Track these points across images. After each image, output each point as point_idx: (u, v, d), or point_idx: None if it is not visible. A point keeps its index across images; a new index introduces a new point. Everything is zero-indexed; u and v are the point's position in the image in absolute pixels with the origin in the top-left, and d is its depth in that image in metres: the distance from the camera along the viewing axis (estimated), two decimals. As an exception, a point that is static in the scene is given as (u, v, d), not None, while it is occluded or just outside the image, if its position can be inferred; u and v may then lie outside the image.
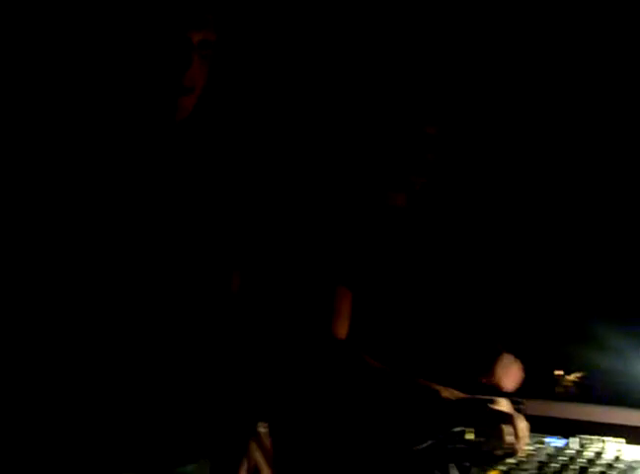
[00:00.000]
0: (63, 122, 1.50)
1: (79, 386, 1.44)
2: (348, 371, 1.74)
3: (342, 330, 1.78)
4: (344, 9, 2.39)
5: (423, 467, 1.49)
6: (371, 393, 1.73)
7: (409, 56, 1.98)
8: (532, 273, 2.47)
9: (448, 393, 1.63)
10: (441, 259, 1.98)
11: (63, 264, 1.44)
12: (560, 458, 1.48)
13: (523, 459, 1.47)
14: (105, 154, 1.49)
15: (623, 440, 1.59)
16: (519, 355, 1.95)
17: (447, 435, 1.58)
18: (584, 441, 1.58)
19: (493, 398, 1.61)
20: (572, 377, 2.30)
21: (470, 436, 1.57)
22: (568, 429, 1.66)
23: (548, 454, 1.50)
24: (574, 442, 1.58)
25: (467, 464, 1.44)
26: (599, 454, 1.51)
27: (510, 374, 1.84)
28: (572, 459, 1.47)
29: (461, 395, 1.63)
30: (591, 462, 1.46)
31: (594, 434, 1.61)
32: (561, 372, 2.30)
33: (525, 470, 1.43)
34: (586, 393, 2.25)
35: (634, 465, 1.46)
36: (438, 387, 1.65)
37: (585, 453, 1.51)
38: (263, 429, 1.57)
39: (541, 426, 1.65)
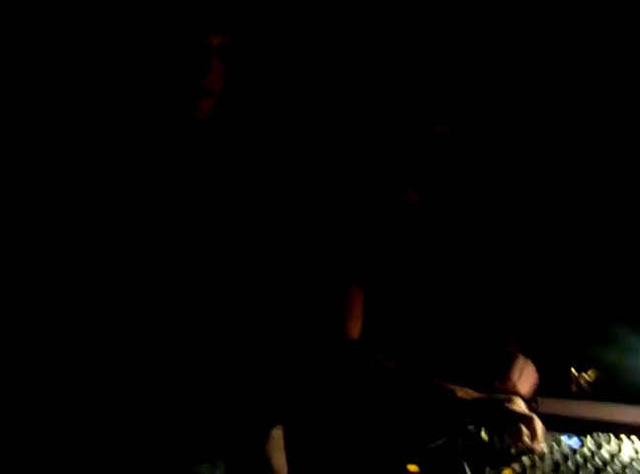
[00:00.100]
0: (83, 122, 1.51)
1: (95, 385, 1.44)
2: (361, 371, 1.73)
3: (355, 329, 1.78)
4: (357, 9, 2.38)
5: (436, 466, 1.48)
6: (385, 392, 1.72)
7: (421, 56, 1.97)
8: (549, 270, 2.45)
9: (464, 393, 1.62)
10: (454, 257, 1.97)
11: (73, 262, 1.44)
12: (575, 458, 1.46)
13: (538, 459, 1.45)
14: (123, 153, 1.49)
15: (640, 440, 1.58)
16: (534, 354, 1.93)
17: (461, 434, 1.57)
18: (600, 441, 1.56)
19: (509, 397, 1.59)
20: (588, 376, 2.27)
21: (484, 435, 1.57)
22: (583, 428, 1.64)
23: (563, 454, 1.48)
24: (589, 442, 1.56)
25: (481, 463, 1.43)
26: (614, 454, 1.50)
27: (524, 379, 1.82)
28: (587, 459, 1.46)
29: (477, 395, 1.62)
30: (606, 462, 1.45)
31: (610, 434, 1.59)
32: (577, 371, 2.28)
33: (540, 469, 1.42)
34: (602, 392, 2.23)
35: (651, 465, 1.45)
36: (453, 387, 1.64)
37: (600, 453, 1.50)
38: (277, 430, 1.57)
39: (556, 425, 1.64)
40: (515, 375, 1.79)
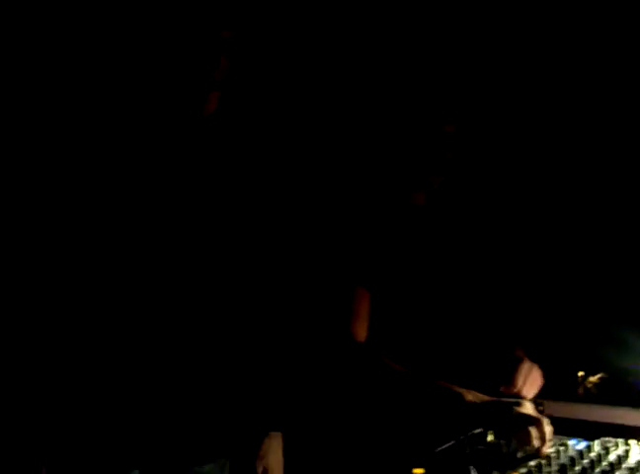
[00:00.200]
0: (94, 114, 1.52)
1: (99, 385, 1.44)
2: (368, 373, 1.73)
3: (361, 331, 1.77)
4: (364, 8, 2.38)
5: (443, 469, 1.47)
6: (392, 395, 1.71)
7: (427, 55, 1.97)
8: (556, 273, 2.45)
9: (472, 396, 1.62)
10: (461, 260, 1.96)
11: (76, 262, 1.44)
12: (582, 461, 1.46)
13: (545, 462, 1.45)
14: (131, 148, 1.50)
15: (647, 444, 1.57)
16: (541, 357, 1.92)
17: (468, 437, 1.57)
18: (607, 444, 1.56)
19: (518, 401, 1.59)
20: (595, 379, 2.27)
21: (491, 438, 1.56)
22: (590, 431, 1.64)
23: (570, 457, 1.48)
24: (596, 445, 1.55)
25: (488, 467, 1.42)
26: (622, 458, 1.49)
27: (530, 383, 1.81)
28: (594, 463, 1.45)
29: (485, 398, 1.62)
30: (613, 466, 1.44)
31: (617, 437, 1.59)
32: (583, 374, 2.28)
33: (547, 473, 1.41)
34: (609, 395, 2.22)
35: (659, 469, 1.44)
36: (461, 390, 1.64)
37: (608, 456, 1.49)
38: (276, 433, 1.57)
39: (563, 428, 1.63)
40: (520, 379, 1.79)
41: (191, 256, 1.53)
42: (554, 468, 1.43)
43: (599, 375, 2.27)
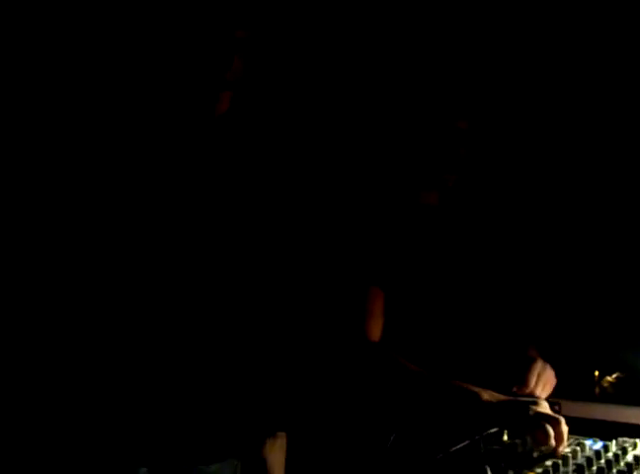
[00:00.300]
0: (105, 113, 1.52)
1: (104, 385, 1.45)
2: (383, 373, 1.72)
3: (376, 331, 1.77)
4: (377, 6, 2.37)
5: (458, 469, 1.47)
6: (407, 394, 1.71)
7: (440, 51, 1.96)
8: (572, 272, 2.43)
9: (489, 395, 1.61)
10: (475, 259, 1.95)
11: (79, 261, 1.44)
12: (599, 462, 1.44)
13: (561, 462, 1.44)
14: (141, 148, 1.50)
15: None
16: (557, 356, 1.91)
17: (483, 437, 1.56)
18: (624, 444, 1.54)
19: (534, 400, 1.58)
20: (611, 378, 2.25)
21: (506, 438, 1.55)
22: (607, 431, 1.62)
23: (586, 457, 1.46)
24: (614, 445, 1.54)
25: (503, 466, 1.41)
26: (639, 458, 1.47)
27: (543, 383, 1.80)
28: (611, 463, 1.43)
29: (502, 397, 1.61)
30: (631, 466, 1.43)
31: (634, 437, 1.57)
32: (600, 373, 2.26)
33: (563, 473, 1.40)
34: (625, 394, 2.20)
35: (676, 470, 1.43)
36: (477, 389, 1.63)
37: (625, 457, 1.48)
38: (280, 433, 1.58)
39: (580, 428, 1.62)
40: (533, 379, 1.78)
41: (202, 254, 1.53)
42: (571, 468, 1.42)
43: (615, 375, 2.26)
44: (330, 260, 1.82)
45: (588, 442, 1.56)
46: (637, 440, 1.56)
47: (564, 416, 1.59)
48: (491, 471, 1.38)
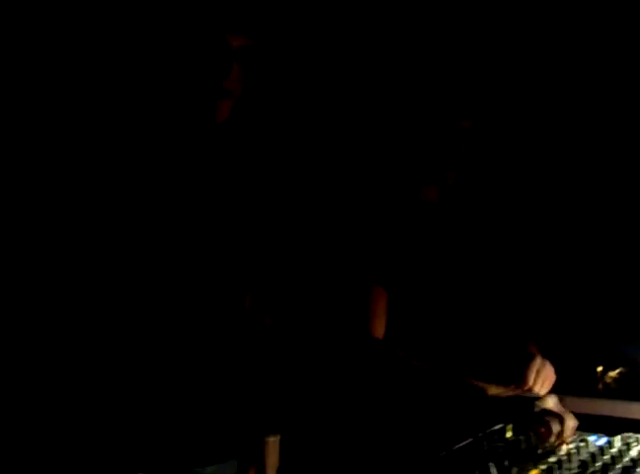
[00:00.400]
0: (105, 119, 1.52)
1: (102, 386, 1.45)
2: (389, 369, 1.73)
3: (380, 329, 1.77)
4: (377, 6, 2.37)
5: (462, 466, 1.46)
6: (412, 391, 1.71)
7: (443, 50, 1.96)
8: (574, 268, 2.43)
9: (495, 390, 1.62)
10: (475, 256, 1.95)
11: (79, 261, 1.45)
12: (603, 457, 1.44)
13: (565, 458, 1.43)
14: (140, 154, 1.50)
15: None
16: (560, 352, 1.91)
17: (487, 434, 1.56)
18: (628, 440, 1.54)
19: (541, 395, 1.58)
20: (614, 374, 2.25)
21: (510, 435, 1.55)
22: (611, 427, 1.62)
23: (590, 453, 1.46)
24: (617, 441, 1.54)
25: (507, 463, 1.41)
26: (644, 453, 1.48)
27: (542, 380, 1.80)
28: (615, 459, 1.43)
29: (509, 392, 1.62)
30: (635, 461, 1.42)
31: (638, 433, 1.57)
32: (603, 369, 2.26)
33: (567, 469, 1.40)
34: (629, 390, 2.20)
35: (680, 464, 1.42)
36: (483, 384, 1.64)
37: (629, 452, 1.48)
38: (272, 437, 1.58)
39: (583, 424, 1.61)
40: (531, 376, 1.78)
41: (203, 255, 1.53)
42: (574, 464, 1.42)
43: (618, 370, 2.25)
44: (332, 259, 1.82)
45: (591, 438, 1.56)
46: (641, 436, 1.56)
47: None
48: (495, 468, 1.37)
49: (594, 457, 1.43)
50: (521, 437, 1.53)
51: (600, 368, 2.27)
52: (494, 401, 1.60)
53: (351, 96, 2.32)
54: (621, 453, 1.46)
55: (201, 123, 1.51)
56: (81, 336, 1.44)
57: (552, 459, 1.44)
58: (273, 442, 1.59)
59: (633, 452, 1.48)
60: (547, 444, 1.48)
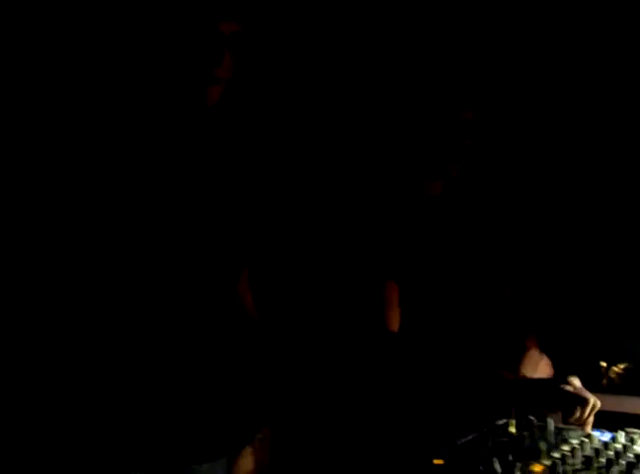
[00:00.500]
0: (95, 107, 1.52)
1: (96, 385, 1.44)
2: (408, 361, 1.74)
3: (395, 322, 1.79)
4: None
5: (466, 461, 1.46)
6: (430, 381, 1.73)
7: (445, 43, 1.95)
8: (578, 261, 2.43)
9: (513, 376, 1.64)
10: (479, 249, 1.95)
11: (75, 259, 1.44)
12: (607, 453, 1.44)
13: (569, 454, 1.43)
14: (131, 143, 1.49)
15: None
16: (563, 347, 1.91)
17: (490, 430, 1.56)
18: (632, 435, 1.54)
19: (567, 378, 1.62)
20: (618, 369, 2.24)
21: (513, 430, 1.55)
22: (615, 422, 1.62)
23: (595, 449, 1.46)
24: (621, 436, 1.53)
25: (510, 459, 1.41)
26: (648, 449, 1.47)
27: (537, 374, 1.81)
28: (619, 454, 1.43)
29: (527, 377, 1.64)
30: (639, 457, 1.42)
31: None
32: (607, 364, 2.26)
33: (571, 465, 1.40)
34: (633, 385, 2.20)
35: (685, 460, 1.42)
36: (502, 371, 1.66)
37: (633, 448, 1.47)
38: (260, 435, 1.58)
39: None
40: (527, 370, 1.79)
41: (206, 250, 1.52)
42: (578, 460, 1.41)
43: (622, 365, 2.25)
44: (341, 255, 1.84)
45: (595, 434, 1.55)
46: (645, 431, 1.55)
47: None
48: (498, 463, 1.37)
49: (598, 453, 1.43)
50: (525, 433, 1.53)
51: (604, 364, 2.26)
52: (517, 385, 1.62)
53: (352, 89, 2.32)
54: (625, 449, 1.46)
55: (193, 111, 1.51)
56: (74, 331, 1.44)
57: (556, 455, 1.44)
58: (264, 439, 1.59)
59: (637, 448, 1.47)
60: (572, 425, 1.52)
